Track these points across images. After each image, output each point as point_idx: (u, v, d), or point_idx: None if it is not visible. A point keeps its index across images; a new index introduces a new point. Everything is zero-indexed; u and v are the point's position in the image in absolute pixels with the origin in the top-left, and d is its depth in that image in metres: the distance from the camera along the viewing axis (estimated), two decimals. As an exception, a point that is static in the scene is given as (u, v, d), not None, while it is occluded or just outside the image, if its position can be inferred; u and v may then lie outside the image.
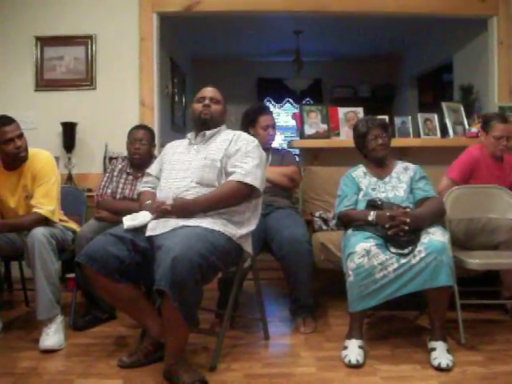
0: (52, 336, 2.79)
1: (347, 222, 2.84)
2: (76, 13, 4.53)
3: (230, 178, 2.55)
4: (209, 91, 2.78)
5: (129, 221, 2.52)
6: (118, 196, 3.31)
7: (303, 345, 2.81)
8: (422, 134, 4.30)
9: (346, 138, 4.13)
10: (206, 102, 2.73)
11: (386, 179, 2.94)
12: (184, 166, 2.64)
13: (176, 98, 6.46)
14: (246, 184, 2.55)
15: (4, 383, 2.40)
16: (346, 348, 2.56)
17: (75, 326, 3.09)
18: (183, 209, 2.46)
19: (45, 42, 4.56)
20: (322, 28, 6.41)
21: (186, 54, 7.43)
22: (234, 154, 2.61)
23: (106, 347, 2.82)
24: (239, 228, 2.55)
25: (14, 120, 2.95)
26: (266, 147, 3.37)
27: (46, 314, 2.79)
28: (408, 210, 2.66)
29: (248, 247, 2.63)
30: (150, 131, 3.47)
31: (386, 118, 3.83)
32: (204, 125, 2.73)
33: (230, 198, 2.54)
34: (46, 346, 2.75)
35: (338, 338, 2.80)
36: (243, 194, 2.56)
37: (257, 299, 2.89)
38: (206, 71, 7.82)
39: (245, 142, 2.67)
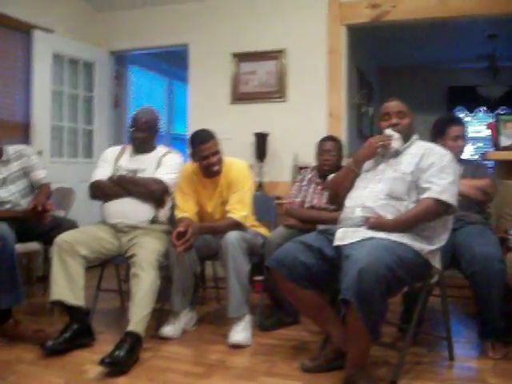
0: (240, 333, 2.97)
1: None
2: (268, 29, 4.77)
3: (426, 195, 2.48)
4: (393, 106, 2.71)
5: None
6: (306, 205, 3.41)
7: (491, 371, 2.62)
8: None
9: (547, 150, 3.79)
10: (393, 120, 2.66)
11: None
12: (375, 177, 2.63)
13: (363, 109, 6.46)
14: (442, 201, 2.46)
15: (196, 371, 2.62)
16: (542, 380, 2.36)
17: (261, 327, 3.24)
18: (382, 228, 2.44)
19: (240, 58, 4.88)
20: (521, 31, 5.96)
21: (372, 63, 7.38)
22: (427, 169, 2.53)
23: (289, 350, 2.91)
24: (428, 243, 2.48)
25: (213, 136, 3.16)
26: (456, 159, 3.23)
27: (236, 312, 2.98)
28: None
29: (436, 263, 2.55)
30: (339, 142, 3.52)
31: None
32: None
33: (427, 215, 2.47)
34: (235, 342, 2.94)
35: (532, 367, 2.57)
36: (439, 211, 2.48)
37: (443, 317, 2.78)
38: (392, 80, 7.72)
39: (438, 155, 2.57)
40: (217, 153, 3.15)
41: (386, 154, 2.67)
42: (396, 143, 2.63)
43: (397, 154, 2.66)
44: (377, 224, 2.46)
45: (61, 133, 5.08)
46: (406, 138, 2.68)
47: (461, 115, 7.77)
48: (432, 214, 2.48)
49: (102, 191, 3.29)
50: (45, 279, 3.92)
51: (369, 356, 2.37)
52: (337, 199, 2.85)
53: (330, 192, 2.95)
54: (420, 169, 2.55)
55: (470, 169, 3.26)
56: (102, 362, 2.52)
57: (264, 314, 3.37)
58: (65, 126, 5.09)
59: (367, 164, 2.73)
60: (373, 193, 2.57)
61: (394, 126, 2.66)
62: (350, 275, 2.16)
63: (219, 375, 2.57)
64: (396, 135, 2.63)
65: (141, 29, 5.26)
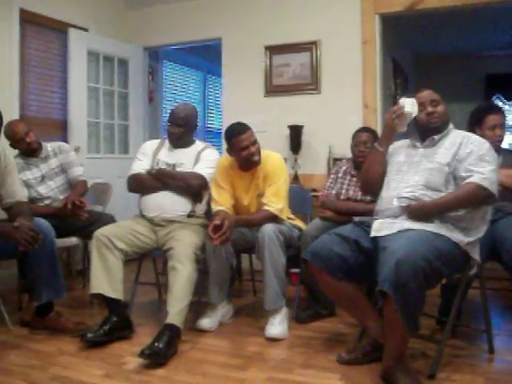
0: (277, 326, 2.98)
1: None
2: (301, 21, 4.74)
3: (469, 180, 2.44)
4: (425, 95, 2.68)
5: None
6: (342, 197, 3.39)
7: (532, 364, 2.57)
8: None
9: None
10: (429, 109, 2.63)
11: None
12: (411, 168, 2.60)
13: (398, 99, 6.36)
14: (483, 188, 2.41)
15: (234, 363, 2.64)
16: None
17: (297, 319, 3.25)
18: (422, 209, 2.44)
19: (273, 50, 4.87)
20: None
21: (407, 52, 7.28)
22: (465, 158, 2.49)
23: (326, 342, 2.91)
24: (466, 234, 2.44)
25: (248, 127, 3.17)
26: (495, 148, 3.16)
27: (273, 305, 2.99)
28: None
29: (475, 254, 2.50)
30: (374, 134, 3.48)
31: None
32: (435, 132, 2.63)
33: (468, 199, 2.44)
34: (271, 335, 2.95)
35: None
36: (480, 197, 2.44)
37: (482, 310, 2.74)
38: (428, 69, 7.59)
39: (476, 144, 2.53)
40: (255, 142, 3.17)
41: (403, 122, 2.66)
42: (408, 108, 2.62)
43: (432, 143, 2.63)
44: (418, 206, 2.45)
45: (97, 129, 5.16)
46: (443, 125, 2.64)
47: (499, 103, 7.59)
48: (473, 198, 2.44)
49: (140, 184, 3.34)
50: (84, 273, 4.01)
51: (407, 348, 2.34)
52: (367, 186, 2.85)
53: (361, 179, 2.95)
54: (458, 159, 2.51)
55: (510, 159, 3.18)
56: (141, 354, 2.56)
57: (300, 307, 3.37)
58: (101, 122, 5.18)
59: (401, 155, 2.72)
60: (409, 184, 2.55)
61: (430, 115, 2.62)
62: (387, 267, 2.15)
63: (256, 367, 2.58)
64: (407, 100, 2.64)
65: (174, 24, 5.30)
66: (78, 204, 3.38)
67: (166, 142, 3.49)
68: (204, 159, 3.36)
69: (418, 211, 2.44)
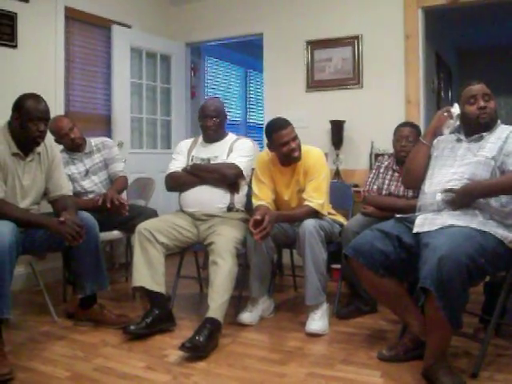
0: (317, 321, 2.98)
1: None
2: (342, 15, 4.70)
3: None
4: (478, 89, 2.59)
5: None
6: (383, 192, 3.35)
7: None
8: None
9: None
10: (481, 103, 2.56)
11: None
12: (455, 162, 2.57)
13: (442, 93, 6.26)
14: None
15: (274, 358, 2.65)
16: None
17: (338, 315, 3.24)
18: (465, 189, 2.41)
19: (315, 45, 4.84)
20: None
21: (451, 46, 7.15)
22: None
23: (367, 338, 2.90)
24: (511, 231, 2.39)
25: (289, 123, 3.16)
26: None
27: (314, 300, 2.99)
28: None
29: (521, 252, 2.45)
30: (417, 128, 3.42)
31: None
32: (484, 128, 2.58)
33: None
34: (312, 330, 2.95)
35: None
36: None
37: (527, 308, 2.68)
38: (472, 63, 7.44)
39: None
40: (296, 138, 3.16)
41: (450, 123, 2.70)
42: (455, 109, 2.70)
43: (479, 138, 2.58)
44: (461, 189, 2.42)
45: (140, 124, 5.24)
46: (492, 121, 2.59)
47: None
48: None
49: (177, 181, 3.38)
50: (127, 266, 4.08)
51: (449, 346, 2.31)
52: (409, 176, 2.82)
53: (403, 170, 2.93)
54: (505, 153, 2.46)
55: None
56: (181, 347, 2.59)
57: (341, 303, 3.37)
58: (144, 117, 5.25)
59: (446, 149, 2.68)
60: (453, 177, 2.51)
61: (481, 110, 2.56)
62: (430, 263, 2.12)
63: (296, 362, 2.59)
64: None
65: (215, 20, 5.33)
66: (117, 204, 3.40)
67: (200, 138, 3.53)
68: (237, 149, 3.37)
69: (461, 193, 2.41)
